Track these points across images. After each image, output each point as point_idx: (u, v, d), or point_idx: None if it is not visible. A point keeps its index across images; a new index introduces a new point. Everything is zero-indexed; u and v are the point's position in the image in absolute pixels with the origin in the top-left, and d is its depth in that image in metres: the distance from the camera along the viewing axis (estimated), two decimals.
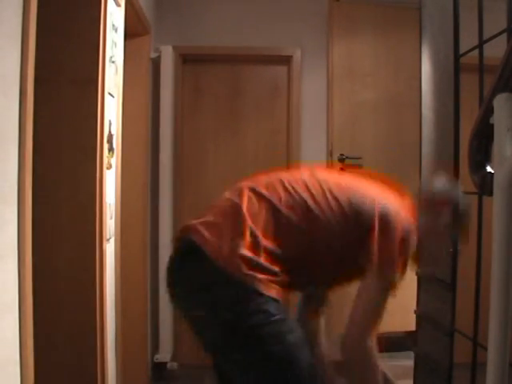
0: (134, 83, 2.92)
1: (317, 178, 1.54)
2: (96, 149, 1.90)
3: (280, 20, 3.53)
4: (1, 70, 1.24)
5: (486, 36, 1.82)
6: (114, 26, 2.12)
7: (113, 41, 2.10)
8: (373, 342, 1.45)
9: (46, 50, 1.76)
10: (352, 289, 1.51)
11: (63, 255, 1.91)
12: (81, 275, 1.90)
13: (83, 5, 1.91)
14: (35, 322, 1.39)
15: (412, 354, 2.42)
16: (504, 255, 0.92)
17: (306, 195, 1.48)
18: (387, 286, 1.45)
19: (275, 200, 1.47)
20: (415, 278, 2.35)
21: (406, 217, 1.52)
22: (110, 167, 2.10)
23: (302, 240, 1.47)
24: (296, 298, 1.79)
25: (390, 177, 1.63)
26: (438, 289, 2.13)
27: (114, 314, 2.19)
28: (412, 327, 2.40)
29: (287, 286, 1.42)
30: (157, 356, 3.30)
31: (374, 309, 1.45)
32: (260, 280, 1.37)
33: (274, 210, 1.46)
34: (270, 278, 1.39)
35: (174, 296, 1.55)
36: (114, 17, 2.13)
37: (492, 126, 0.98)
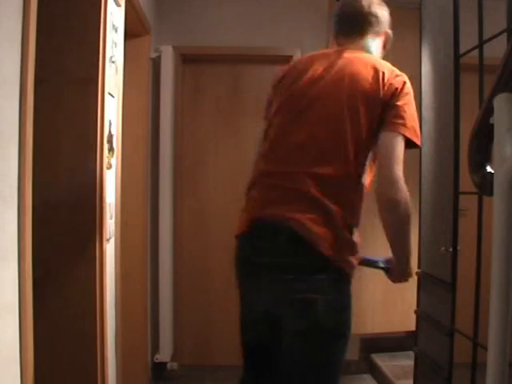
0: (133, 83, 2.92)
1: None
2: (96, 149, 1.90)
3: (280, 20, 3.53)
4: (1, 70, 1.24)
5: (485, 36, 1.82)
6: (114, 25, 2.12)
7: (113, 41, 2.10)
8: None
9: (46, 50, 1.76)
10: None
11: (63, 255, 1.91)
12: (81, 275, 1.90)
13: (83, 5, 1.91)
14: (35, 321, 1.39)
15: (412, 353, 2.42)
16: (504, 255, 0.92)
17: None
18: (407, 144, 1.46)
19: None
20: (415, 278, 2.35)
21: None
22: (110, 167, 2.10)
23: (361, 196, 1.49)
24: None
25: None
26: (437, 289, 2.13)
27: (113, 313, 2.19)
28: (412, 327, 2.40)
29: None
30: (157, 356, 3.30)
31: (400, 161, 1.45)
32: (351, 263, 1.42)
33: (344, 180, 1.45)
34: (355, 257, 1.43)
35: (254, 288, 1.48)
36: (114, 17, 2.13)
37: (492, 125, 0.98)
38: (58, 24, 1.90)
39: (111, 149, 2.12)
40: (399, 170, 1.42)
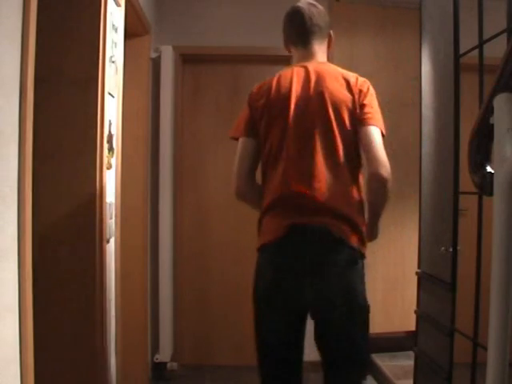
0: (133, 83, 2.92)
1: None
2: (96, 149, 1.90)
3: (280, 20, 3.50)
4: (1, 70, 1.24)
5: (485, 36, 1.82)
6: (114, 25, 2.12)
7: (113, 41, 2.10)
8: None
9: (46, 50, 1.76)
10: None
11: (63, 255, 1.91)
12: (81, 275, 1.90)
13: (83, 5, 1.91)
14: (35, 322, 1.39)
15: (412, 353, 2.42)
16: (504, 255, 0.92)
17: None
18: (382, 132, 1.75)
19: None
20: (415, 277, 2.35)
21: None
22: (110, 167, 2.10)
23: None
24: None
25: None
26: (438, 289, 2.13)
27: (113, 313, 2.19)
28: (412, 327, 2.40)
29: None
30: (157, 356, 3.30)
31: (381, 143, 1.73)
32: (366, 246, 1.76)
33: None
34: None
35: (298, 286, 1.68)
36: (114, 17, 2.13)
37: (492, 125, 0.98)
38: (58, 23, 1.90)
39: (111, 149, 2.12)
40: (384, 154, 1.70)
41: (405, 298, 3.18)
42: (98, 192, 1.91)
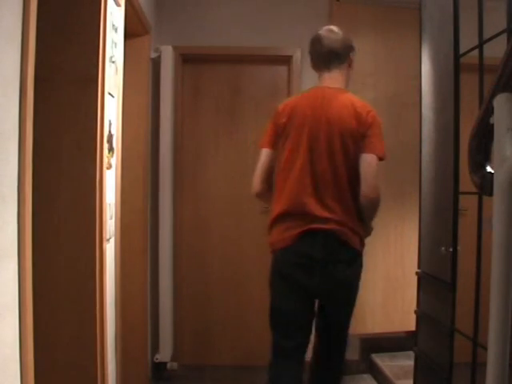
0: (133, 83, 2.92)
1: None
2: (96, 149, 1.90)
3: (280, 20, 3.53)
4: (1, 69, 1.24)
5: (485, 36, 1.82)
6: (114, 25, 2.12)
7: (113, 41, 2.10)
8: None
9: (46, 50, 1.76)
10: None
11: (63, 255, 1.91)
12: (81, 275, 1.90)
13: (83, 5, 1.91)
14: (35, 322, 1.39)
15: (412, 353, 2.42)
16: (504, 255, 0.92)
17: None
18: (379, 160, 2.04)
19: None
20: (415, 277, 2.35)
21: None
22: (109, 167, 2.10)
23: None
24: None
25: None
26: (438, 289, 2.14)
27: (113, 313, 2.19)
28: (412, 327, 2.40)
29: None
30: (157, 356, 3.30)
31: (376, 173, 2.04)
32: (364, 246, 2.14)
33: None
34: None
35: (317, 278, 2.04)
36: (114, 17, 2.13)
37: (492, 125, 0.98)
38: (58, 23, 1.90)
39: (111, 149, 2.12)
40: (374, 177, 2.03)
41: (405, 298, 3.18)
42: (97, 192, 1.91)
